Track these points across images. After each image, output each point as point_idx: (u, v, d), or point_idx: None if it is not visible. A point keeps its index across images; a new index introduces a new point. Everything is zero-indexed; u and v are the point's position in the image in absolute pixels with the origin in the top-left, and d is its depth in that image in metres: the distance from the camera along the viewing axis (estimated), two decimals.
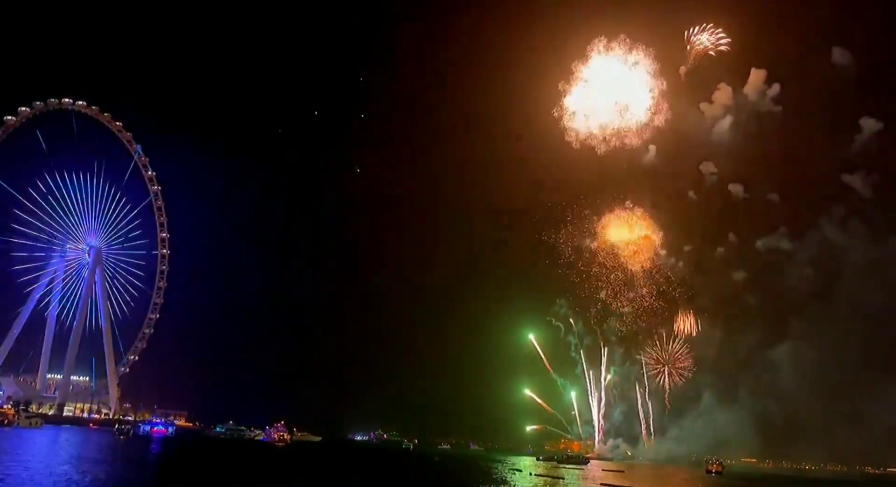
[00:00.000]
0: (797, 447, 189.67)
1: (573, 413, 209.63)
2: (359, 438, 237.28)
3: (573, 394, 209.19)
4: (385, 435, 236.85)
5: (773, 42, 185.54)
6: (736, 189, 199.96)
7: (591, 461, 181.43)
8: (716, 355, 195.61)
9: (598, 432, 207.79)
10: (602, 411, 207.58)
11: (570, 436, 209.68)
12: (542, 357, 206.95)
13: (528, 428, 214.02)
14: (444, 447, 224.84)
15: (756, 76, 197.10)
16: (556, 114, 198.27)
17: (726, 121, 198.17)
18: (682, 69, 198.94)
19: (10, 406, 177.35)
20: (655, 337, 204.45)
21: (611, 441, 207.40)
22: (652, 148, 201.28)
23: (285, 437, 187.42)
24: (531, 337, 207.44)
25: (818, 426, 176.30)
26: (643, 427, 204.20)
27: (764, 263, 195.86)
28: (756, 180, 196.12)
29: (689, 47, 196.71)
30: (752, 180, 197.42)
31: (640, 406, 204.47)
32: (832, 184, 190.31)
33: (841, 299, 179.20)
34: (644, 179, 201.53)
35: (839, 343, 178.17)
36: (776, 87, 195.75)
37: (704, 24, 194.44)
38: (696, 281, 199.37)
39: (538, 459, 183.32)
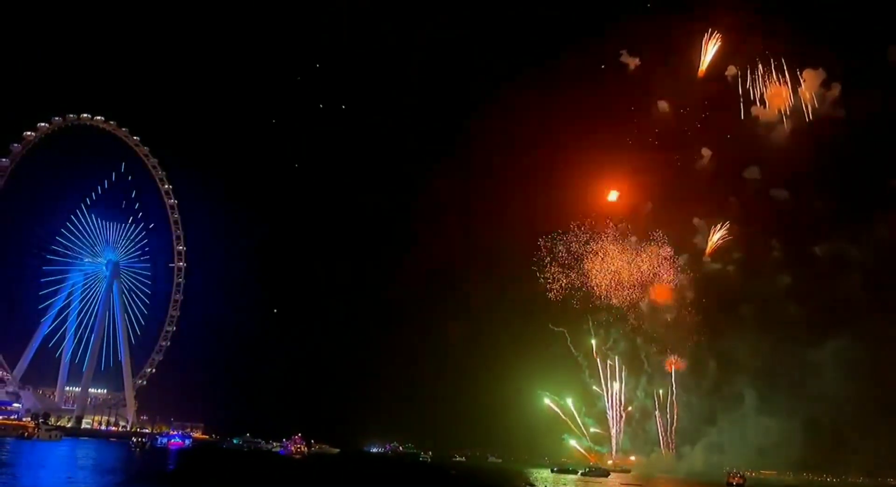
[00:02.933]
0: (839, 458, 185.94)
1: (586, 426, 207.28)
2: (374, 450, 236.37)
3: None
4: (401, 448, 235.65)
5: (827, 42, 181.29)
6: (781, 194, 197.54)
7: (611, 473, 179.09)
8: (761, 363, 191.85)
9: (615, 442, 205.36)
10: (623, 421, 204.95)
11: (601, 448, 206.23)
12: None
13: (564, 438, 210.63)
14: (460, 459, 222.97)
15: (812, 78, 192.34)
16: None
17: (780, 125, 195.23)
18: (702, 70, 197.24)
19: (29, 419, 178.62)
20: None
21: (633, 454, 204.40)
22: (707, 152, 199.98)
23: (302, 449, 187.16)
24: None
25: (864, 436, 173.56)
26: (666, 437, 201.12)
27: (813, 268, 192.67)
28: (802, 185, 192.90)
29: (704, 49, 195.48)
30: (797, 185, 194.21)
31: (670, 415, 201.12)
32: (881, 189, 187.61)
33: (891, 306, 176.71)
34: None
35: (889, 350, 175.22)
36: (836, 89, 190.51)
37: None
38: (745, 287, 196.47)
39: (552, 471, 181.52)
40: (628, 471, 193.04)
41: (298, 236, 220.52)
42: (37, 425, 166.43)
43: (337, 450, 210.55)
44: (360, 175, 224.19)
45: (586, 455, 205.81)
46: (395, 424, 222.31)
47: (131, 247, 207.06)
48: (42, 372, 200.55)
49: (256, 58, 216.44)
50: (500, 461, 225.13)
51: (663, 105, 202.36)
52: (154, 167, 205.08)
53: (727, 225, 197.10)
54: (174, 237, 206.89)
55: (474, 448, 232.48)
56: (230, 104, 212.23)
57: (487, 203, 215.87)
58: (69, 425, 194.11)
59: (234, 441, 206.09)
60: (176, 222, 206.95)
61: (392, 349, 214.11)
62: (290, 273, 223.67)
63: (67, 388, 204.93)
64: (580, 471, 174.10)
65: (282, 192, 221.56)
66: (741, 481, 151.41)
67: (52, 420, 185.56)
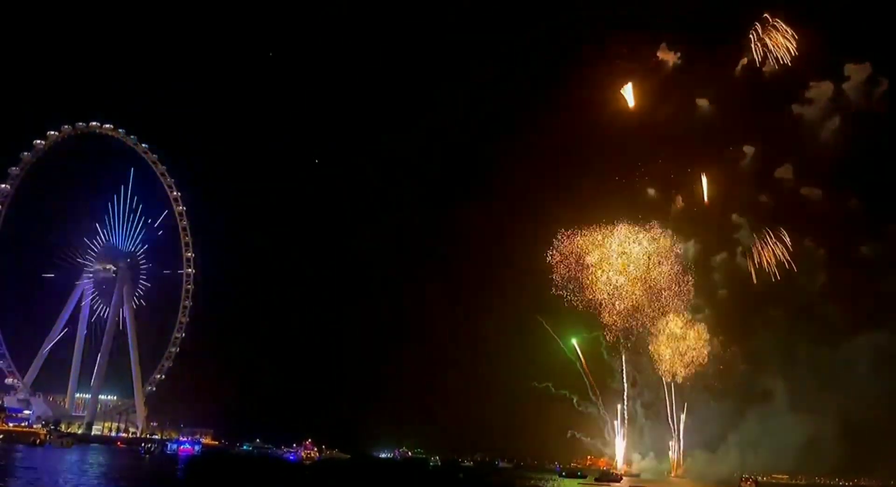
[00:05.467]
0: (870, 459, 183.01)
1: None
2: (383, 455, 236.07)
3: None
4: (409, 453, 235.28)
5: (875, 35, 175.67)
6: (816, 192, 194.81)
7: (624, 477, 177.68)
8: (793, 360, 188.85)
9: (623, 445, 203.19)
10: (636, 423, 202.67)
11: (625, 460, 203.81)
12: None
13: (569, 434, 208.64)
14: (468, 464, 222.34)
15: (857, 72, 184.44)
16: None
17: (821, 122, 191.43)
18: (744, 61, 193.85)
19: (40, 426, 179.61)
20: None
21: (648, 458, 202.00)
22: (749, 149, 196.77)
23: (312, 455, 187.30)
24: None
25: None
26: (678, 440, 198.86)
27: (849, 266, 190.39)
28: (840, 183, 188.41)
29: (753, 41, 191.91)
30: (836, 183, 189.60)
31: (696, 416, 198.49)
32: None
33: None
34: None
35: None
36: (883, 85, 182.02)
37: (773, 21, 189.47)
38: (780, 285, 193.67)
39: (560, 475, 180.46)
40: (638, 475, 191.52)
41: (308, 242, 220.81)
42: (48, 432, 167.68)
43: (348, 456, 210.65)
44: (369, 181, 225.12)
45: (595, 460, 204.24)
46: (406, 430, 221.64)
47: (140, 254, 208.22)
48: (52, 379, 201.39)
49: (266, 65, 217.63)
50: (509, 466, 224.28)
51: (702, 102, 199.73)
52: (163, 174, 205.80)
53: (782, 234, 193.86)
54: (183, 243, 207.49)
55: (483, 452, 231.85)
56: (239, 112, 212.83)
57: (503, 217, 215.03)
58: (80, 431, 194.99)
59: (245, 447, 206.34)
60: (185, 229, 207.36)
61: (403, 355, 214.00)
62: (298, 279, 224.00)
63: (77, 395, 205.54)
64: (594, 477, 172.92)
65: (291, 198, 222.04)
66: (753, 485, 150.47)
67: (63, 427, 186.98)
